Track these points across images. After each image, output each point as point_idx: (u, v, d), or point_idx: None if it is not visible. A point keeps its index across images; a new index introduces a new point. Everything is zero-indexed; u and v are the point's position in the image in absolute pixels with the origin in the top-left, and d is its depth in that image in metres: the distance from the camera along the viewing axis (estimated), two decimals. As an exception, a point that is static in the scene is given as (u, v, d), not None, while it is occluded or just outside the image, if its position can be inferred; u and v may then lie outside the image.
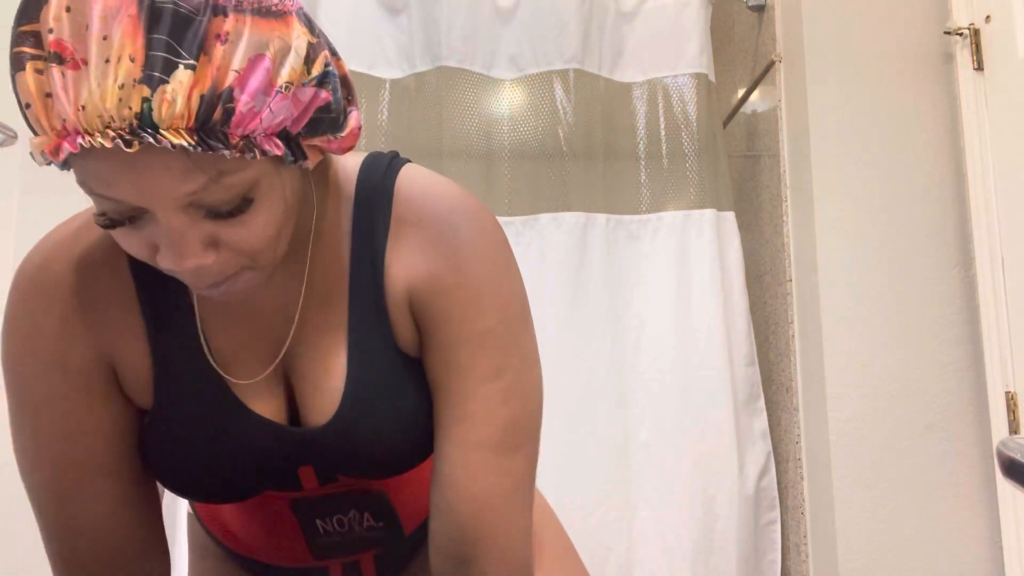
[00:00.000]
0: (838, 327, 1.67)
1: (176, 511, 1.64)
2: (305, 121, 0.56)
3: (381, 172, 0.70)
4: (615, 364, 1.84)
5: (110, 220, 0.54)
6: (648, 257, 1.92)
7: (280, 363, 0.70)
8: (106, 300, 0.67)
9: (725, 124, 2.23)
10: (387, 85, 1.93)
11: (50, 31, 0.48)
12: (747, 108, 2.21)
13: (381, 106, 1.92)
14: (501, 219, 1.88)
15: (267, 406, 0.69)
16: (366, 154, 0.73)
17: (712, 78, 2.03)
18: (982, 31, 1.62)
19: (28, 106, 0.50)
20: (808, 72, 1.77)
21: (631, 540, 1.78)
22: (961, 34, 1.66)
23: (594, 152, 1.95)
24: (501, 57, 1.97)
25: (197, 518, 0.88)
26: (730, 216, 1.97)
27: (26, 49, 0.49)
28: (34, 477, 0.68)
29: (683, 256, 1.91)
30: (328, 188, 0.69)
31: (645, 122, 2.00)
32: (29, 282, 0.66)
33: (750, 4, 2.07)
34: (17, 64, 0.50)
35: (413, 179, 0.70)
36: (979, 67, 1.62)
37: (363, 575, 0.83)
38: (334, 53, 0.60)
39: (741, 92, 2.22)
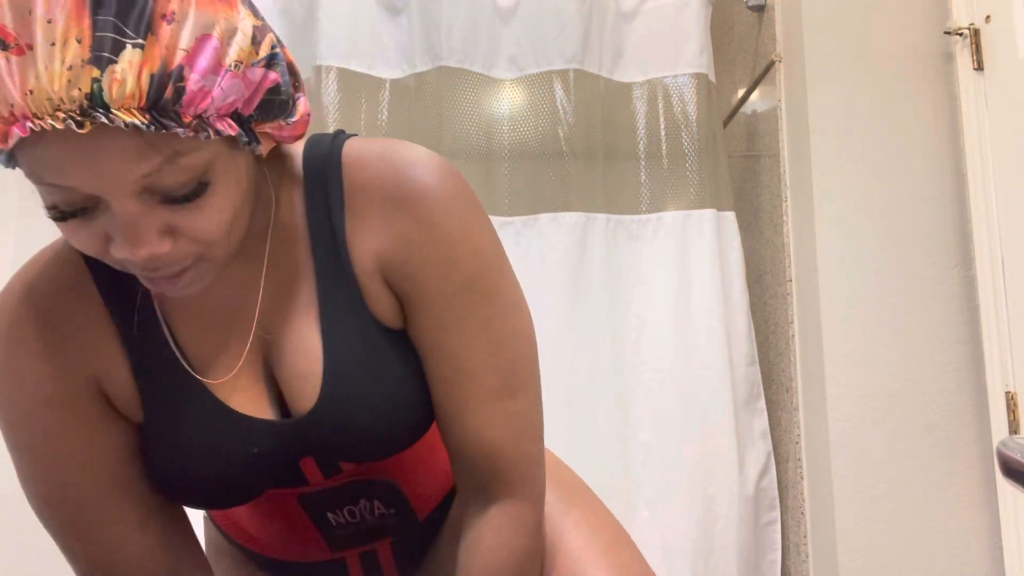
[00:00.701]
0: (838, 327, 1.67)
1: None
2: (256, 102, 0.56)
3: (327, 147, 0.68)
4: (615, 364, 1.84)
5: (60, 213, 0.53)
6: (648, 257, 1.92)
7: (257, 357, 0.69)
8: (78, 323, 0.66)
9: (725, 124, 2.23)
10: (387, 85, 1.93)
11: None
12: (747, 108, 2.21)
13: (381, 106, 1.92)
14: (501, 219, 1.88)
15: (251, 403, 0.68)
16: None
17: (712, 78, 2.03)
18: (982, 31, 1.62)
19: None
20: (808, 72, 1.77)
21: (631, 540, 1.77)
22: (961, 34, 1.66)
23: (594, 152, 1.95)
24: (501, 57, 1.97)
25: (211, 519, 0.88)
26: (730, 216, 1.97)
27: None
28: (52, 518, 0.67)
29: (683, 256, 1.91)
30: (282, 179, 0.69)
31: (645, 122, 2.00)
32: (4, 326, 0.65)
33: (750, 4, 2.07)
34: None
35: (360, 146, 0.68)
36: (979, 67, 1.62)
37: (381, 564, 0.82)
38: (279, 41, 0.60)
39: (741, 92, 2.22)
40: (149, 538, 0.68)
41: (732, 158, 2.20)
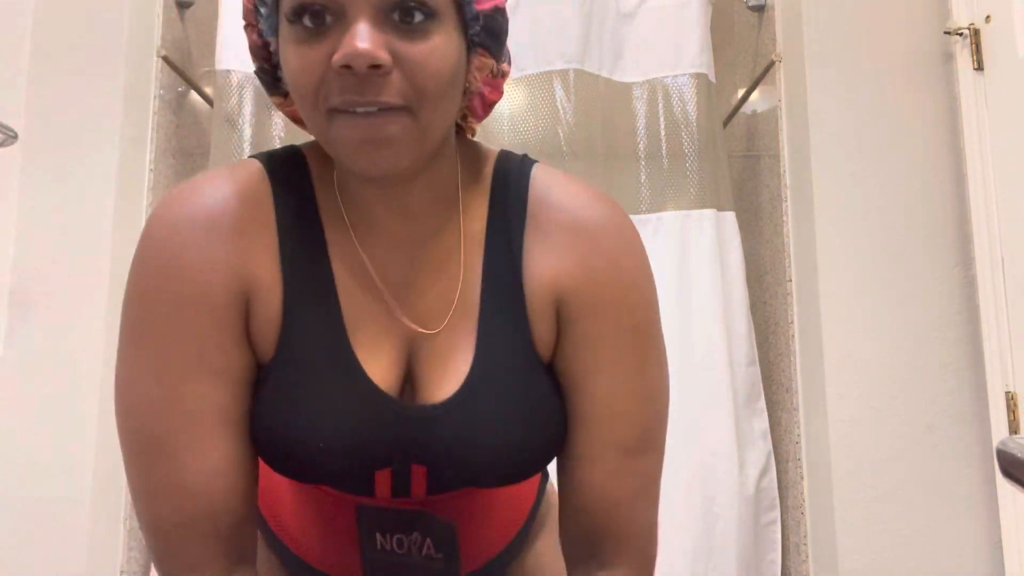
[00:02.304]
0: (838, 327, 1.67)
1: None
2: (487, 5, 0.62)
3: (517, 162, 0.72)
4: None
5: (302, 26, 0.58)
6: (648, 257, 1.92)
7: (405, 344, 0.68)
8: (250, 240, 0.65)
9: (725, 124, 2.23)
10: (387, 85, 1.93)
11: None
12: (747, 108, 2.21)
13: (381, 106, 1.92)
14: (501, 219, 1.88)
15: (385, 378, 0.67)
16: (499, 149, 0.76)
17: (712, 78, 2.03)
18: (982, 31, 1.62)
19: None
20: (808, 72, 1.77)
21: (631, 540, 1.77)
22: (961, 34, 1.66)
23: (594, 152, 1.95)
24: (501, 57, 1.97)
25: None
26: (730, 216, 1.97)
27: None
28: (152, 429, 0.63)
29: (683, 256, 1.91)
30: (470, 182, 0.71)
31: (645, 122, 2.00)
32: (176, 215, 0.64)
33: (750, 4, 2.07)
34: None
35: (548, 169, 0.72)
36: (979, 67, 1.62)
37: None
38: None
39: (741, 92, 2.21)
40: (238, 477, 0.65)
41: (732, 158, 2.20)
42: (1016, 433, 1.48)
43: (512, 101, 1.97)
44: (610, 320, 0.67)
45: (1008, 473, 0.64)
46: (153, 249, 0.63)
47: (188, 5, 2.02)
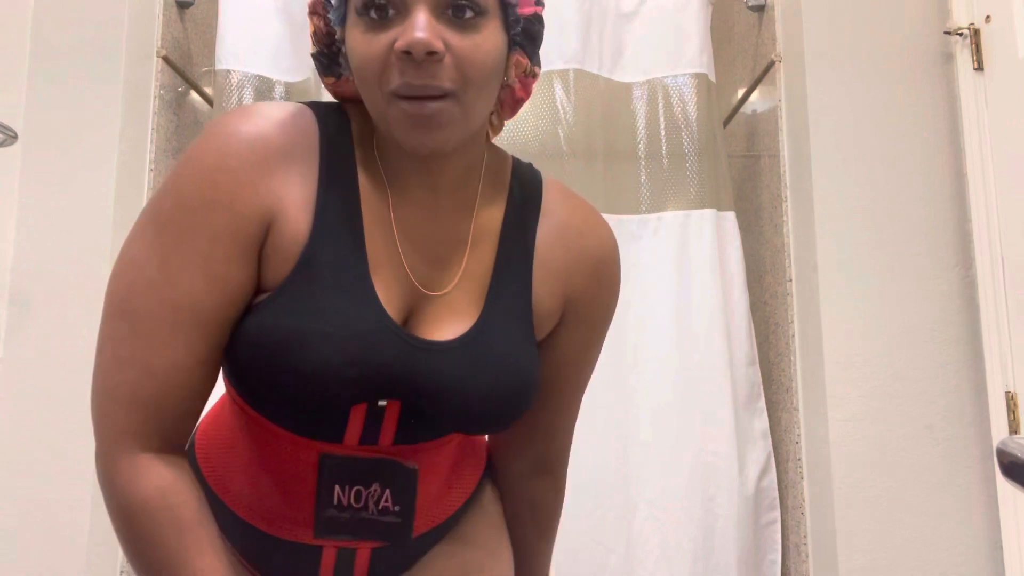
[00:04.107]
0: (838, 327, 1.67)
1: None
2: (528, 11, 0.72)
3: (529, 169, 0.85)
4: (615, 364, 1.84)
5: (368, 19, 0.67)
6: (648, 257, 1.92)
7: (417, 291, 0.75)
8: (291, 164, 0.72)
9: (725, 124, 2.23)
10: (387, 85, 1.93)
11: None
12: (747, 108, 2.21)
13: (381, 106, 1.92)
14: (501, 219, 1.88)
15: (395, 313, 0.73)
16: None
17: (712, 78, 2.03)
18: (982, 31, 1.62)
19: None
20: (808, 72, 1.77)
21: (631, 540, 1.77)
22: (961, 34, 1.66)
23: (594, 152, 1.95)
24: (501, 57, 1.97)
25: (198, 468, 0.83)
26: (730, 216, 1.97)
27: None
28: (135, 299, 0.68)
29: (683, 256, 1.91)
30: (493, 175, 0.81)
31: (645, 122, 2.00)
32: (231, 129, 0.71)
33: (750, 4, 2.08)
34: None
35: (555, 185, 0.85)
36: (979, 67, 1.62)
37: (355, 569, 0.80)
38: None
39: (741, 92, 2.22)
40: (196, 377, 0.70)
41: (732, 158, 2.20)
42: (1016, 433, 1.48)
43: (512, 101, 1.97)
44: (597, 318, 0.86)
45: (1008, 473, 0.64)
46: (201, 152, 0.70)
47: (188, 5, 2.02)
